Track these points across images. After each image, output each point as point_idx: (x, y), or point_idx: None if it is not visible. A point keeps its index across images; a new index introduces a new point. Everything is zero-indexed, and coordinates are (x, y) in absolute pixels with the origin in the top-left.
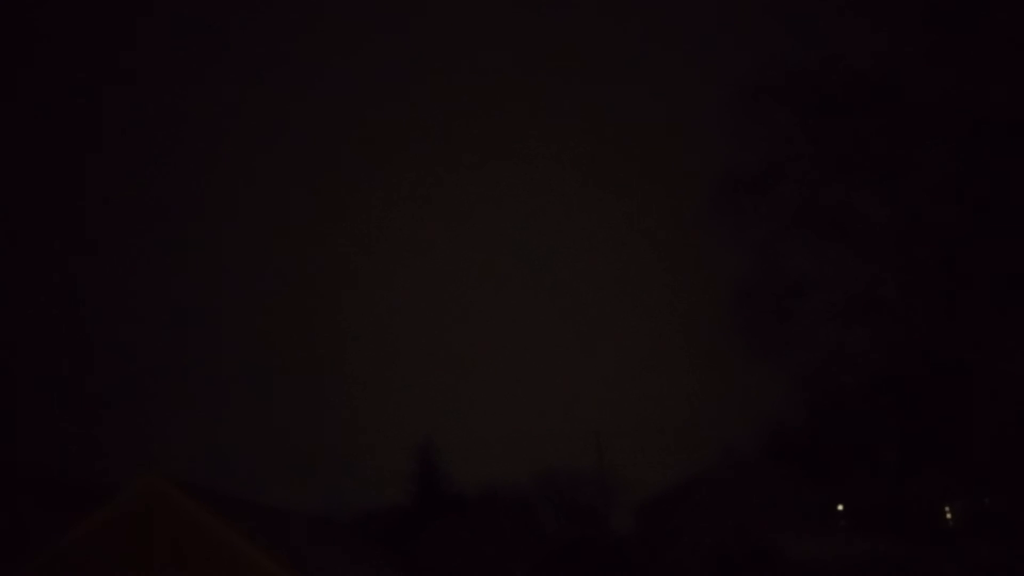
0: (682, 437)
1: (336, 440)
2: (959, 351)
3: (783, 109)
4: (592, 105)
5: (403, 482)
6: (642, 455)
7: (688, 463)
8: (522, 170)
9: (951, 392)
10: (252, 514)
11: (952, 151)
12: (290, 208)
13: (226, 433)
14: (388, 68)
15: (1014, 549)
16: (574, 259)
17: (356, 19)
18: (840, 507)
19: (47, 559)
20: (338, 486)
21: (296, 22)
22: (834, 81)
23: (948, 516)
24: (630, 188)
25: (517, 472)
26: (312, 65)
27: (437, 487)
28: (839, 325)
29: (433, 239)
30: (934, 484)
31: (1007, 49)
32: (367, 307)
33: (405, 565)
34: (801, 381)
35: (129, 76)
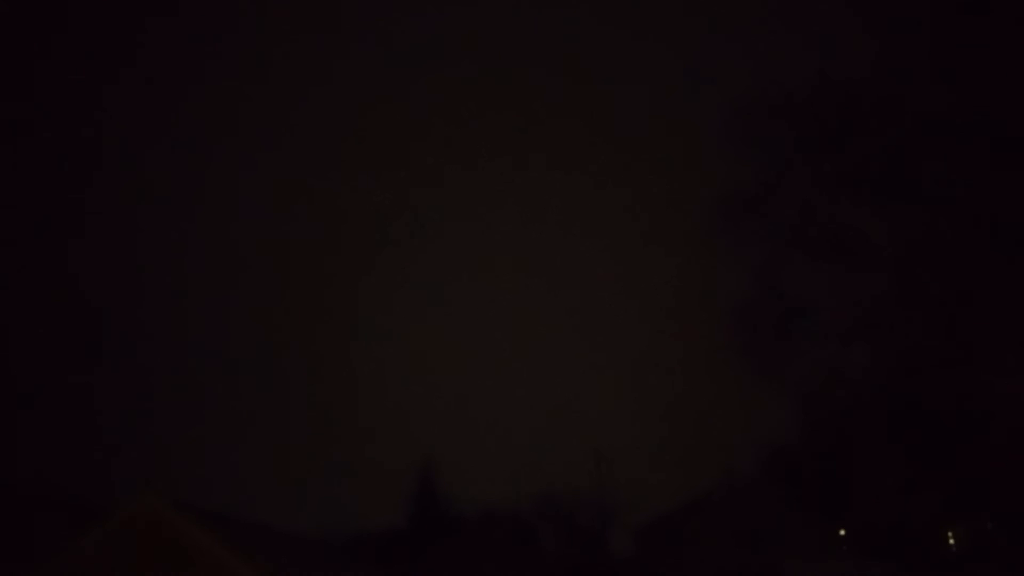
0: (683, 458)
1: (335, 461)
2: (960, 371)
3: (782, 127)
4: (597, 114)
5: (402, 503)
6: (643, 476)
7: (689, 484)
8: (526, 185)
9: (952, 413)
10: (248, 534)
11: (951, 168)
12: (289, 217)
13: (224, 451)
14: (389, 68)
15: (1017, 573)
16: (575, 278)
17: (357, 19)
18: (842, 532)
19: None
20: (336, 507)
21: (296, 21)
22: (833, 99)
23: (951, 540)
24: (636, 207)
25: (517, 493)
26: (312, 65)
27: (436, 508)
28: (839, 344)
29: (432, 258)
30: (936, 507)
31: (1006, 65)
32: (367, 330)
33: None
34: (801, 401)
35: (128, 76)
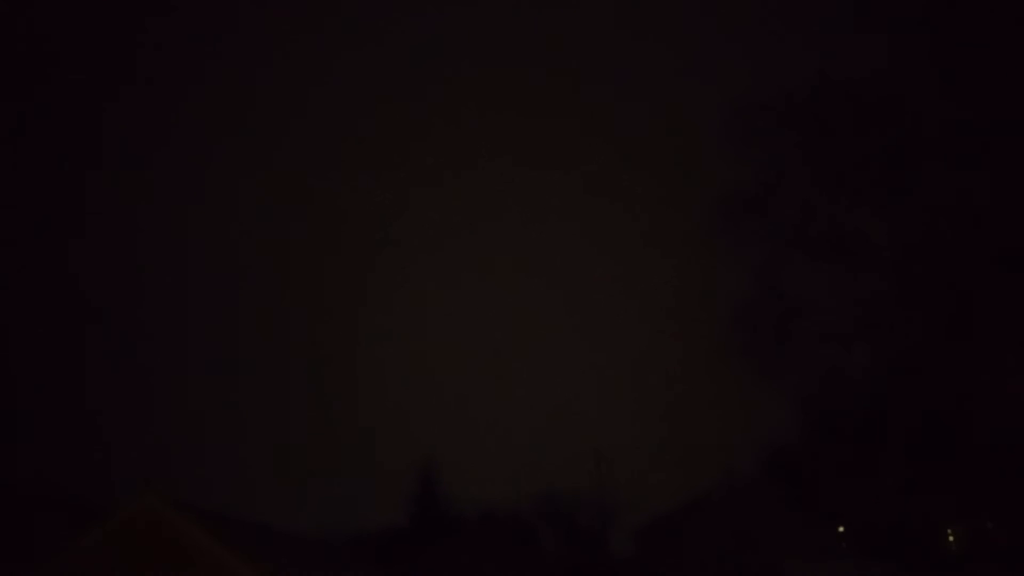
0: (683, 458)
1: (335, 461)
2: (960, 371)
3: (782, 127)
4: (597, 114)
5: (403, 502)
6: (643, 476)
7: (689, 484)
8: (526, 185)
9: (952, 412)
10: (248, 534)
11: (951, 168)
12: (289, 217)
13: (225, 451)
14: (389, 68)
15: (1017, 572)
16: (575, 278)
17: (357, 19)
18: (841, 529)
19: None
20: (336, 507)
21: (296, 21)
22: (833, 99)
23: (951, 539)
24: (636, 207)
25: (517, 493)
26: (312, 65)
27: (436, 508)
28: (838, 345)
29: (433, 257)
30: (936, 507)
31: (1006, 65)
32: (367, 330)
33: None
34: (801, 401)
35: (128, 77)
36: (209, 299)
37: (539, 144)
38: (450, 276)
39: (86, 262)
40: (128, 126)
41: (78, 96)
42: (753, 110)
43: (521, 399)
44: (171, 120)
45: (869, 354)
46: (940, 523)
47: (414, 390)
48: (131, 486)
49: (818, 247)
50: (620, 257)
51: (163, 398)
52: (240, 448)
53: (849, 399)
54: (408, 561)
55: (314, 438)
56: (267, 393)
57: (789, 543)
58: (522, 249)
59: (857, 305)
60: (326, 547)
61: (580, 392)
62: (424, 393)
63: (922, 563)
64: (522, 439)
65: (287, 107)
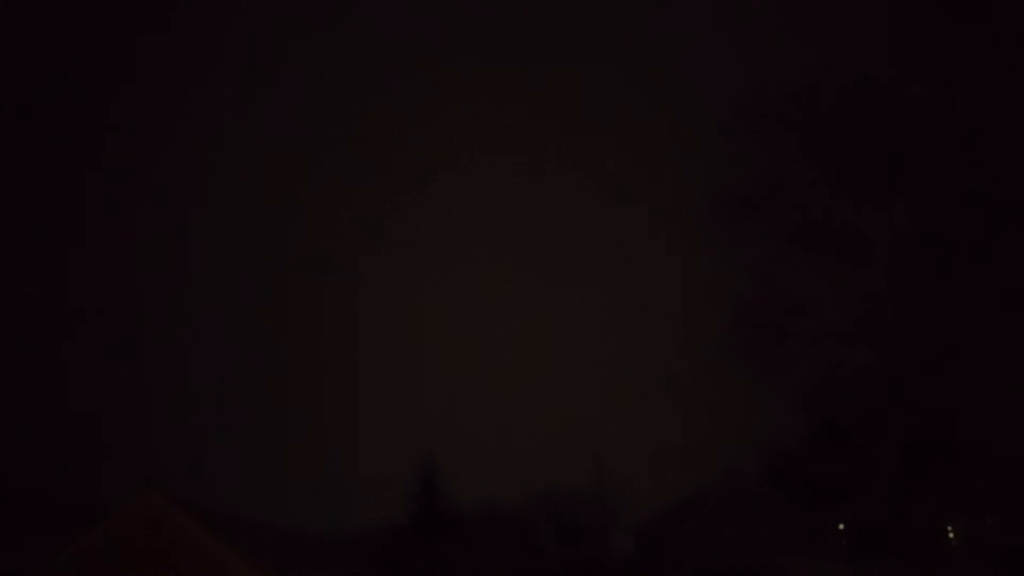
0: (682, 457)
1: (335, 461)
2: (959, 370)
3: (782, 126)
4: (597, 114)
5: (402, 501)
6: (643, 476)
7: (688, 483)
8: (526, 185)
9: (952, 409)
10: (248, 532)
11: (951, 167)
12: (288, 218)
13: (225, 450)
14: (395, 69)
15: (1017, 569)
16: (576, 278)
17: (366, 21)
18: (841, 527)
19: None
20: (336, 506)
21: (295, 22)
22: (833, 99)
23: (951, 536)
24: (636, 207)
25: (517, 492)
26: (311, 65)
27: (436, 507)
28: (838, 344)
29: (433, 258)
30: (935, 503)
31: (1005, 66)
32: (366, 329)
33: None
34: (800, 399)
35: (128, 79)
36: (208, 299)
37: (539, 144)
38: (450, 276)
39: (86, 262)
40: (128, 129)
41: (78, 99)
42: (754, 109)
43: (521, 398)
44: (170, 119)
45: (869, 354)
46: (940, 520)
47: (414, 390)
48: (131, 486)
49: (818, 246)
50: (621, 256)
51: (163, 398)
52: (240, 448)
53: (849, 398)
54: (408, 560)
55: (314, 437)
56: (267, 393)
57: (789, 543)
58: (522, 249)
59: (857, 304)
60: (326, 547)
61: (580, 391)
62: (424, 392)
63: (922, 560)
64: (523, 438)
65: (286, 107)
